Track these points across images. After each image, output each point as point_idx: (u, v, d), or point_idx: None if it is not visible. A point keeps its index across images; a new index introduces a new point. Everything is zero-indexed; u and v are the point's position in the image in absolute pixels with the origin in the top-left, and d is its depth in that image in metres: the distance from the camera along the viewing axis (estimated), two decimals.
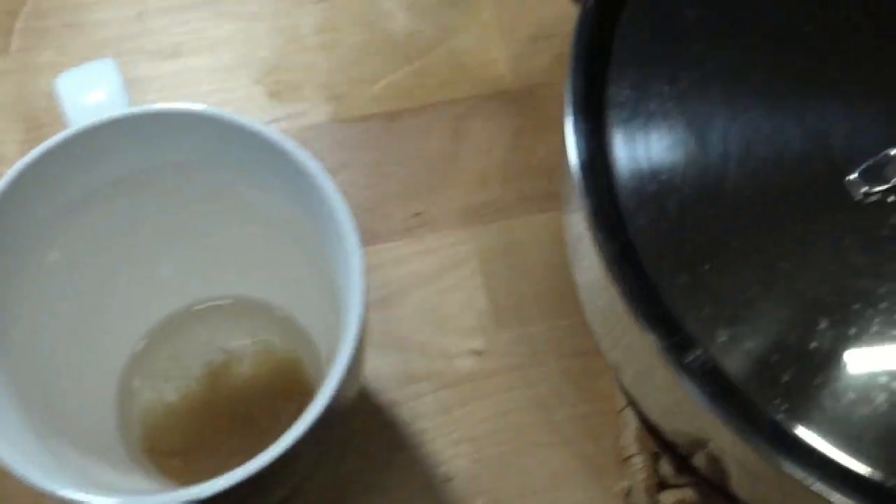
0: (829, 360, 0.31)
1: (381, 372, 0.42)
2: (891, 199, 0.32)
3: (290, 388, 0.40)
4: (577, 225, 0.36)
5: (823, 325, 0.31)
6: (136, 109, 0.33)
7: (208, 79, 0.49)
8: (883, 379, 0.30)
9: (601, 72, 0.36)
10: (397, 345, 0.43)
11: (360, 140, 0.47)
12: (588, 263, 0.36)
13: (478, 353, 0.42)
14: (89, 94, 0.33)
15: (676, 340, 0.31)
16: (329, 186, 0.32)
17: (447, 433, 0.41)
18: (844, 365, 0.31)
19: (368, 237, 0.45)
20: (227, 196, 0.36)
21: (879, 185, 0.33)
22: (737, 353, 0.31)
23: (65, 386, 0.35)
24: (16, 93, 0.48)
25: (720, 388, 0.31)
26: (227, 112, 0.33)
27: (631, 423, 0.40)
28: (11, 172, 0.31)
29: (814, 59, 0.35)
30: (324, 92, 0.48)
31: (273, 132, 0.33)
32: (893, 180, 0.32)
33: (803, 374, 0.31)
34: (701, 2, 0.37)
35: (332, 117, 0.48)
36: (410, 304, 0.43)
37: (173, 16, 0.50)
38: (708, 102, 0.35)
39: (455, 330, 0.43)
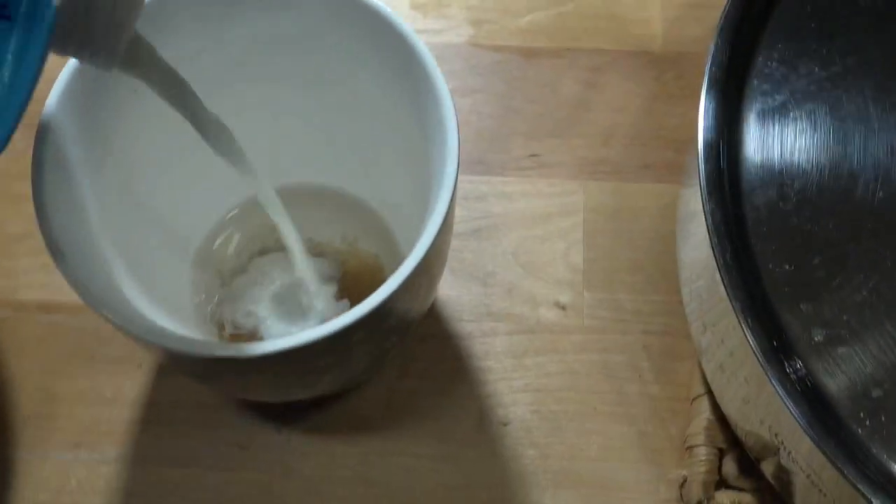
0: None
1: (461, 301, 0.41)
2: None
3: (367, 290, 0.39)
4: (693, 200, 0.34)
5: None
6: None
7: None
8: None
9: (751, 37, 0.34)
10: (484, 278, 0.42)
11: (494, 69, 0.46)
12: (696, 242, 0.34)
13: (562, 306, 0.41)
14: None
15: (776, 345, 0.29)
16: (431, 64, 0.31)
17: (512, 378, 0.40)
18: None
19: (481, 167, 0.44)
20: (334, 76, 0.35)
21: None
22: (833, 364, 0.29)
23: (149, 235, 0.35)
24: None
25: (811, 400, 0.29)
26: None
27: (703, 413, 0.38)
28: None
29: None
30: (468, 14, 0.47)
31: (386, 9, 0.32)
32: None
33: None
34: None
35: (471, 41, 0.47)
36: (507, 241, 0.42)
37: None
38: (859, 95, 0.33)
39: (545, 278, 0.42)
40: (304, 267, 0.37)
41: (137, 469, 0.38)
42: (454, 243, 0.42)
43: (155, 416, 0.39)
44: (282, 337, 0.26)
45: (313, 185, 0.41)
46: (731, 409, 0.35)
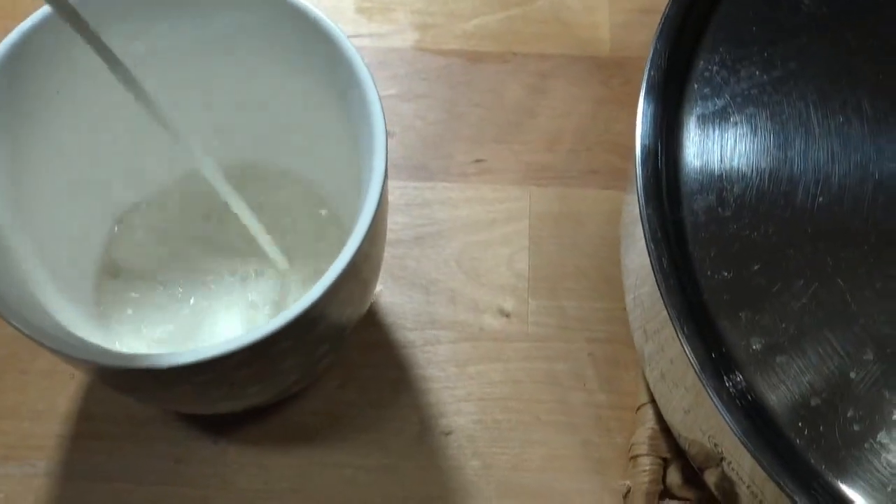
0: (869, 395, 0.28)
1: (403, 308, 0.40)
2: None
3: None
4: (636, 206, 0.33)
5: (869, 356, 0.28)
6: None
7: None
8: None
9: (692, 41, 0.33)
10: (427, 286, 0.41)
11: (439, 74, 0.45)
12: (640, 248, 0.34)
13: (506, 314, 0.40)
14: None
15: (713, 355, 0.29)
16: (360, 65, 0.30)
17: (455, 387, 0.39)
18: (882, 403, 0.28)
19: (425, 173, 0.43)
20: (267, 75, 0.35)
21: None
22: (772, 373, 0.29)
23: (61, 219, 0.34)
24: None
25: (748, 411, 0.28)
26: None
27: (647, 423, 0.37)
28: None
29: None
30: (414, 19, 0.46)
31: (320, 14, 0.31)
32: None
33: (838, 405, 0.28)
34: None
35: (417, 45, 0.46)
36: (450, 248, 0.42)
37: None
38: (800, 99, 0.32)
39: (489, 285, 0.41)
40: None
41: (68, 483, 0.37)
42: (397, 250, 0.41)
43: (87, 430, 0.38)
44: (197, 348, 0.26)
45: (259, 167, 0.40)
46: (673, 419, 0.35)
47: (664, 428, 0.37)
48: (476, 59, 0.46)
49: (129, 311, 0.37)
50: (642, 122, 0.32)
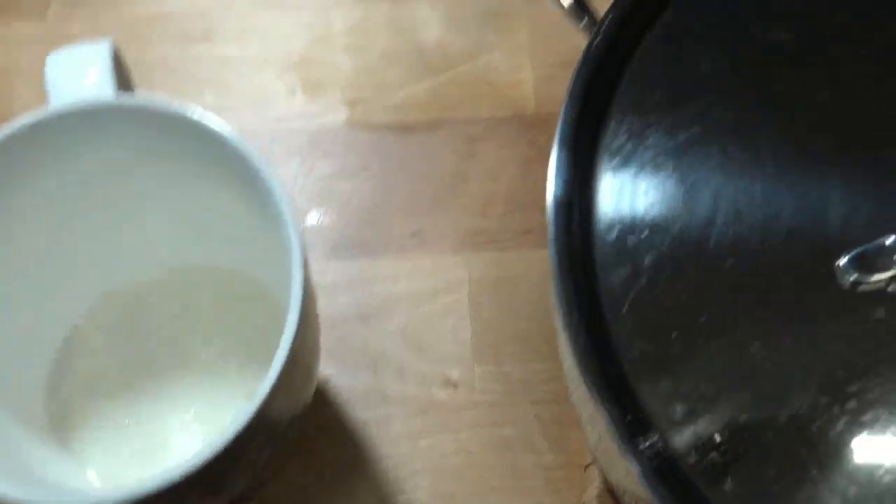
0: (785, 452, 0.29)
1: (354, 388, 0.41)
2: (880, 290, 0.30)
3: None
4: None
5: (784, 417, 0.29)
6: (94, 101, 0.32)
7: (232, 67, 0.48)
8: (839, 483, 0.29)
9: (598, 114, 0.34)
10: (374, 363, 0.42)
11: (372, 148, 0.46)
12: None
13: (454, 384, 0.41)
14: (72, 78, 0.33)
15: (633, 427, 0.30)
16: (276, 188, 0.31)
17: (411, 462, 0.40)
18: (797, 459, 0.29)
19: (364, 251, 0.44)
20: (177, 188, 0.36)
21: (869, 275, 0.30)
22: (693, 438, 0.30)
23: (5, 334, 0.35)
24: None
25: (669, 478, 0.29)
26: (190, 109, 0.32)
27: (594, 481, 0.38)
28: None
29: (825, 131, 0.33)
30: (344, 94, 0.47)
31: (235, 137, 0.32)
32: (883, 273, 0.30)
33: (757, 464, 0.29)
34: (718, 56, 0.35)
35: (348, 122, 0.47)
36: (394, 323, 0.42)
37: None
38: (704, 161, 0.33)
39: (435, 357, 0.42)
40: None
41: None
42: (342, 330, 0.42)
43: None
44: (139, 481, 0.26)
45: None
46: (616, 479, 0.36)
47: (611, 487, 0.38)
48: (406, 129, 0.47)
49: (88, 429, 0.38)
50: (553, 200, 0.33)
